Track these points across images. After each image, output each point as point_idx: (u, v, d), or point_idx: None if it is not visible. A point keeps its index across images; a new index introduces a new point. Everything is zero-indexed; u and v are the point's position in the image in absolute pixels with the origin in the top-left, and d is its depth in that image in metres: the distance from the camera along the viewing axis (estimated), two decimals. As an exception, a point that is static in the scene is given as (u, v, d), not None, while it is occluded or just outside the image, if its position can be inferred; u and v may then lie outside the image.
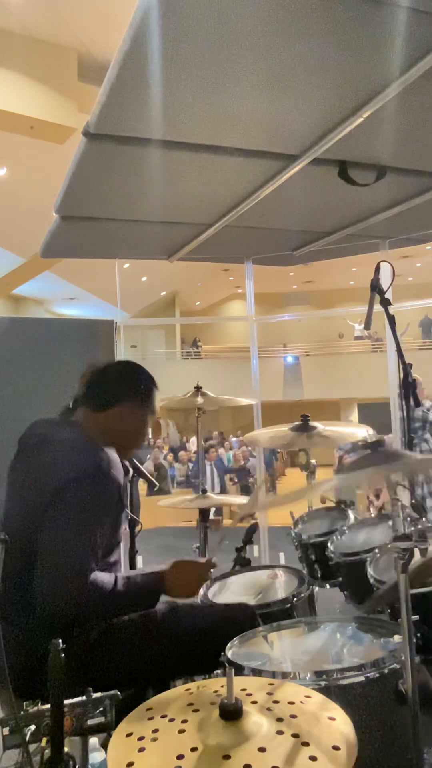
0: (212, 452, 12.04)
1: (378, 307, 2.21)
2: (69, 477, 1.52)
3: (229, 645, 1.53)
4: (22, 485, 1.63)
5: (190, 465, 13.03)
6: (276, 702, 1.03)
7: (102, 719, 1.11)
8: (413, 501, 2.27)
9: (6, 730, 1.05)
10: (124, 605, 1.59)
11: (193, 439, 13.65)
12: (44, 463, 1.60)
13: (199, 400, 2.88)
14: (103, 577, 1.51)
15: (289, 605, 1.95)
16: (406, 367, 2.19)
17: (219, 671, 1.56)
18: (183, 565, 1.68)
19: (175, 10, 1.44)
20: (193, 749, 0.90)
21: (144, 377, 1.83)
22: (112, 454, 1.65)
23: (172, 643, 1.64)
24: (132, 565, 2.46)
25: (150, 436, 17.00)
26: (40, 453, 1.65)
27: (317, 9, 1.46)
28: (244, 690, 1.08)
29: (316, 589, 2.25)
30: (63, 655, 0.99)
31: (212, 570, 1.77)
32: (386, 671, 1.32)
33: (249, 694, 1.06)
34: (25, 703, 1.09)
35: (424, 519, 2.18)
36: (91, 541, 1.50)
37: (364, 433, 2.61)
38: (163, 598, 1.69)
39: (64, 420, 1.76)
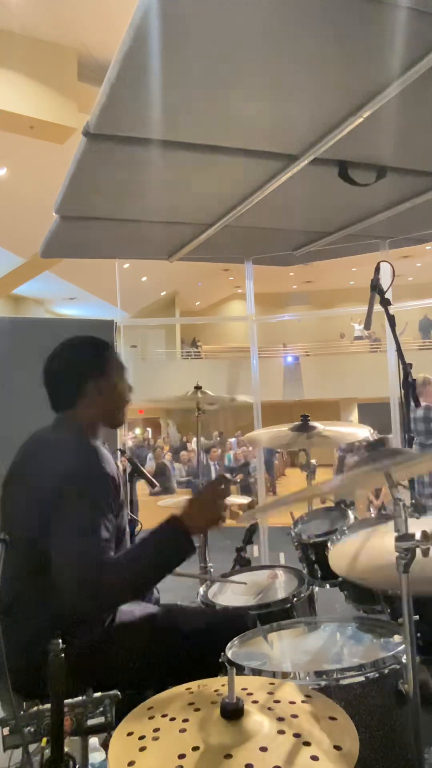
0: (213, 452, 12.05)
1: (378, 307, 2.21)
2: (63, 479, 1.51)
3: (229, 645, 1.53)
4: (21, 491, 1.62)
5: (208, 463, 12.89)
6: (277, 702, 1.03)
7: (102, 719, 1.11)
8: (413, 501, 2.28)
9: (6, 730, 1.05)
10: (150, 568, 1.47)
11: (194, 439, 13.64)
12: (38, 469, 1.59)
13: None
14: (113, 558, 1.48)
15: (289, 605, 1.96)
16: (407, 367, 2.19)
17: (219, 675, 1.56)
18: (195, 498, 1.57)
19: (175, 10, 1.44)
20: (195, 748, 0.90)
21: (88, 347, 1.73)
22: (102, 448, 1.64)
23: (173, 645, 1.64)
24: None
25: (150, 435, 17.02)
26: (34, 460, 1.64)
27: (317, 9, 1.46)
28: (245, 689, 1.08)
29: (316, 589, 2.25)
30: (63, 655, 0.99)
31: (231, 485, 1.62)
32: (386, 671, 1.32)
33: (250, 694, 1.06)
34: (25, 703, 1.09)
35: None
36: (98, 533, 1.47)
37: (364, 433, 2.61)
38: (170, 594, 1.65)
39: (52, 425, 1.72)
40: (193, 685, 1.13)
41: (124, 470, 2.51)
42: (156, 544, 1.49)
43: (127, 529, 1.79)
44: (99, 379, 1.69)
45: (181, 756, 0.88)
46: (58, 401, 1.70)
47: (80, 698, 1.11)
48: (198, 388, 2.94)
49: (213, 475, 11.44)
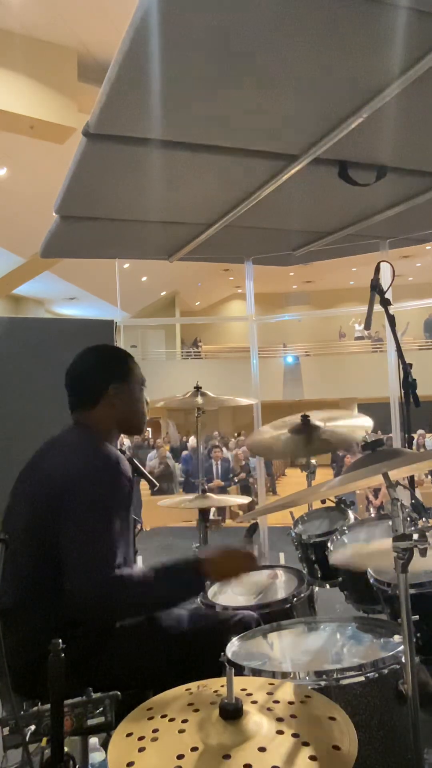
0: (216, 452, 12.01)
1: (378, 307, 2.21)
2: (81, 480, 1.52)
3: (229, 645, 1.53)
4: (32, 491, 1.61)
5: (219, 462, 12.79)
6: (276, 702, 1.03)
7: (102, 719, 1.11)
8: (413, 501, 2.28)
9: (6, 730, 1.05)
10: (158, 593, 1.54)
11: (192, 438, 13.63)
12: (54, 469, 1.58)
13: (199, 400, 2.88)
14: (129, 570, 1.50)
15: (289, 605, 1.95)
16: (407, 367, 2.20)
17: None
18: (228, 552, 1.65)
19: (175, 10, 1.44)
20: (194, 749, 0.90)
21: (113, 354, 1.86)
22: (117, 451, 1.66)
23: (173, 645, 1.63)
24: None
25: (150, 435, 17.01)
26: (49, 460, 1.64)
27: (317, 9, 1.46)
28: (244, 690, 1.08)
29: (316, 589, 2.25)
30: (63, 655, 0.99)
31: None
32: (386, 671, 1.32)
33: (249, 694, 1.06)
34: (25, 703, 1.09)
35: (423, 519, 2.19)
36: (112, 538, 1.49)
37: (366, 424, 2.61)
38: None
39: (69, 427, 1.75)
40: (192, 685, 1.13)
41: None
42: (171, 580, 1.55)
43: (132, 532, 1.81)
44: (119, 386, 1.76)
45: (180, 756, 0.88)
46: (78, 402, 1.76)
47: (80, 698, 1.11)
48: (198, 388, 2.93)
49: (214, 474, 11.44)
